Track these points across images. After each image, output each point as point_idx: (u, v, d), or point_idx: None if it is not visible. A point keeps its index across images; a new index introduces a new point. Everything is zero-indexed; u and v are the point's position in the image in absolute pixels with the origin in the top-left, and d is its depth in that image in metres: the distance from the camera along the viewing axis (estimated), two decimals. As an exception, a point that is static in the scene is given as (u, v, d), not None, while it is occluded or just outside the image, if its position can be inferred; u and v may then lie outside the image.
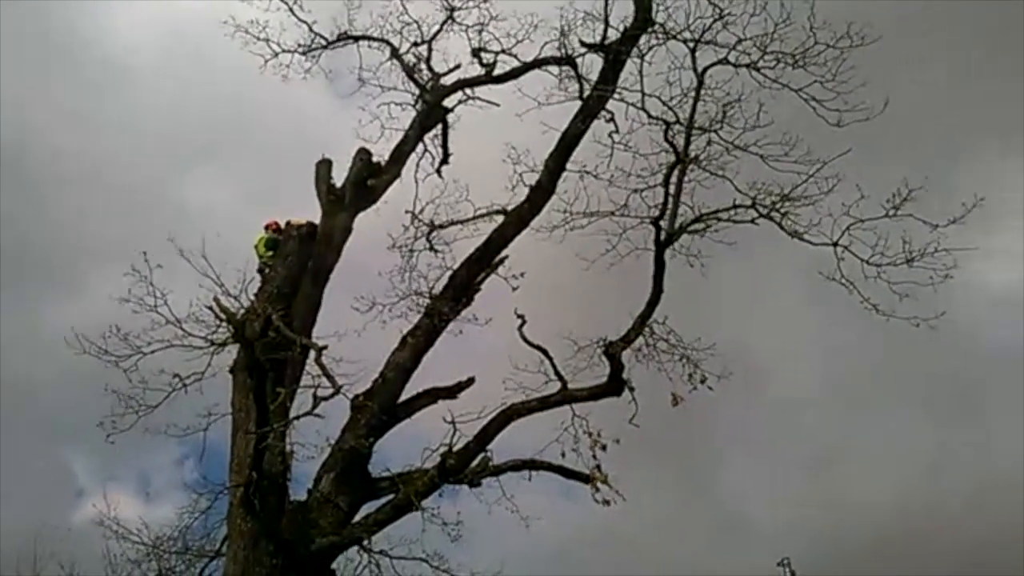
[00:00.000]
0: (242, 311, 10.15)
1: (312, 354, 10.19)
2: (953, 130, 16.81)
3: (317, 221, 12.61)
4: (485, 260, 12.22)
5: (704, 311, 14.67)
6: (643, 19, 11.90)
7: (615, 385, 11.39)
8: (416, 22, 13.81)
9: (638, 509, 12.56)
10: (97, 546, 12.82)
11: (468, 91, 13.68)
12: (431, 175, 13.73)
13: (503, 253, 12.28)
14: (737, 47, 11.58)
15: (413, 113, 13.59)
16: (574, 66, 12.48)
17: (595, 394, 11.47)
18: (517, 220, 12.23)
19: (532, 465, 11.20)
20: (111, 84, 25.09)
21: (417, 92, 13.71)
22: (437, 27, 13.80)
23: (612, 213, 12.16)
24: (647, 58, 12.03)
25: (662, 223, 11.56)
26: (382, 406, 11.13)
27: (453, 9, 13.68)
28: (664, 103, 11.89)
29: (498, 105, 13.50)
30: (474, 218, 12.80)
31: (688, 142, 11.64)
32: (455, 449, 10.74)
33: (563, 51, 12.54)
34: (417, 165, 13.62)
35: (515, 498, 11.05)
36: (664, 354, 11.77)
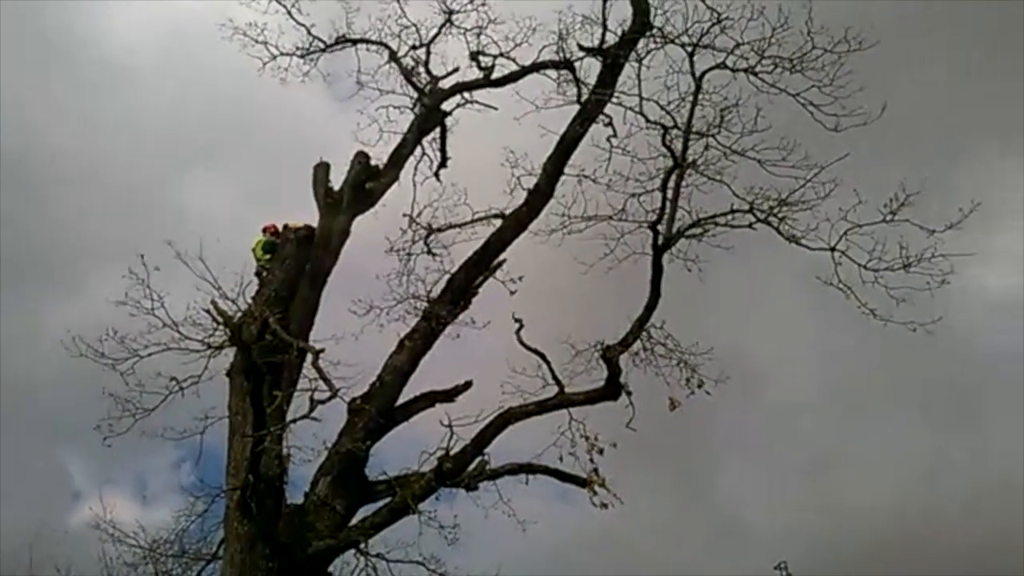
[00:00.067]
0: (239, 314, 10.16)
1: (309, 357, 10.19)
2: (953, 130, 16.83)
3: (315, 224, 12.61)
4: (483, 264, 12.21)
5: (702, 315, 14.70)
6: (641, 23, 11.90)
7: (612, 389, 11.39)
8: (414, 25, 13.81)
9: (635, 513, 12.58)
10: (93, 549, 12.80)
11: (466, 94, 13.66)
12: (429, 178, 13.72)
13: (501, 257, 12.27)
14: (735, 51, 11.62)
15: (411, 116, 13.59)
16: (572, 70, 12.47)
17: (592, 398, 11.46)
18: (515, 224, 12.22)
19: (529, 469, 11.18)
20: (110, 84, 25.05)
21: (415, 95, 13.71)
22: (435, 30, 13.80)
23: (610, 217, 12.19)
24: (645, 62, 12.05)
25: (660, 227, 11.56)
26: (379, 409, 11.10)
27: (451, 12, 13.68)
28: (662, 107, 11.95)
29: (496, 109, 13.51)
30: (472, 222, 12.82)
31: (686, 146, 11.66)
32: (452, 453, 10.72)
33: (561, 55, 12.52)
34: (415, 168, 13.61)
35: (512, 502, 11.06)
36: (662, 358, 11.78)
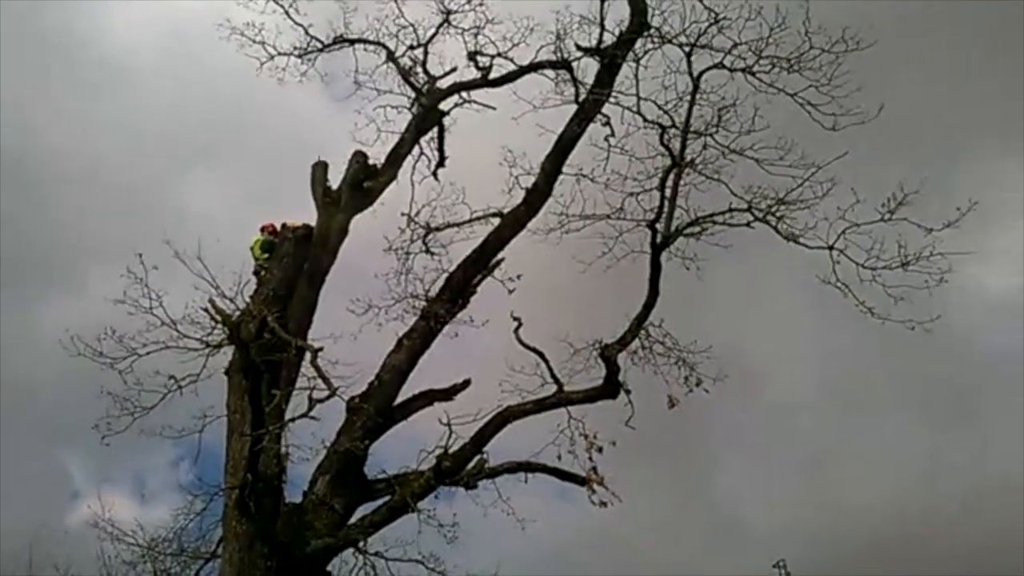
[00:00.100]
0: (238, 313, 10.16)
1: (308, 356, 10.16)
2: (953, 130, 16.89)
3: (313, 223, 12.61)
4: (481, 262, 12.21)
5: (700, 314, 14.72)
6: (639, 23, 11.91)
7: (611, 388, 11.40)
8: (412, 25, 13.83)
9: (634, 511, 12.61)
10: (92, 548, 12.82)
11: (464, 94, 13.69)
12: (427, 178, 13.74)
13: (499, 256, 12.25)
14: (733, 51, 11.65)
15: (409, 116, 13.62)
16: (570, 70, 12.49)
17: (591, 396, 11.47)
18: (513, 223, 12.23)
19: (528, 467, 11.20)
20: (110, 84, 25.16)
21: (413, 95, 13.73)
22: (433, 30, 13.82)
23: (608, 216, 12.22)
24: (643, 62, 12.08)
25: (658, 226, 11.58)
26: (378, 408, 11.10)
27: (449, 12, 13.70)
28: (660, 107, 11.97)
29: (494, 108, 13.54)
30: (470, 221, 12.82)
31: (684, 146, 11.69)
32: (451, 451, 10.73)
33: (559, 55, 12.55)
34: (413, 168, 13.64)
35: (511, 500, 11.06)
36: (660, 357, 11.80)
